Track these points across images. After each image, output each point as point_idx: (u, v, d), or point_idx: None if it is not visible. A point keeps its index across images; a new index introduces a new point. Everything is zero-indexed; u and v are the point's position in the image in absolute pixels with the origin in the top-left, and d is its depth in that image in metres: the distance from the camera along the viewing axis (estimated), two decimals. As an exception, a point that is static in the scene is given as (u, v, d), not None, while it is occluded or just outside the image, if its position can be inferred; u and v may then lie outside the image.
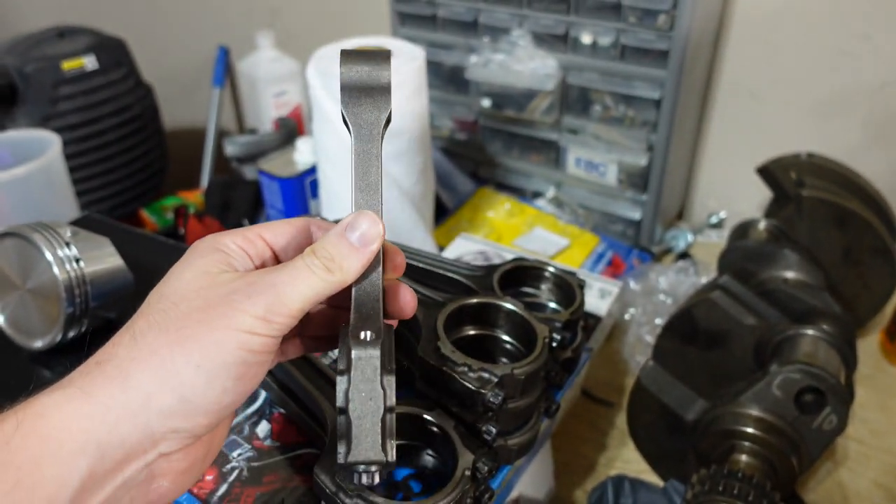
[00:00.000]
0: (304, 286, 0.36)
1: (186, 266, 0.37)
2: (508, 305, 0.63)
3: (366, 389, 0.36)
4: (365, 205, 0.39)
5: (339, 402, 0.36)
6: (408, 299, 0.42)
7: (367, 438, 0.36)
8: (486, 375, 0.56)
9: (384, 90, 0.40)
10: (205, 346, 0.34)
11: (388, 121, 0.40)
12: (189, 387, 0.34)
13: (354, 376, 0.36)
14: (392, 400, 0.36)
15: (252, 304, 0.35)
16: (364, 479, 0.36)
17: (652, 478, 0.84)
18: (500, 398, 0.55)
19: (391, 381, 0.36)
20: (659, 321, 1.01)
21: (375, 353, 0.36)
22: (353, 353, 0.36)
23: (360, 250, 0.38)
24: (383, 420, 0.36)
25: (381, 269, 0.39)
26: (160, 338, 0.34)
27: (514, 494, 0.70)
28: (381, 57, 0.40)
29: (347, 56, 0.40)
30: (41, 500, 0.30)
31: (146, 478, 0.34)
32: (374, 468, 0.36)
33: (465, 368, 0.56)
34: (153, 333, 0.34)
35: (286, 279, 0.36)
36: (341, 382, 0.36)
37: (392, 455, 0.36)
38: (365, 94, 0.39)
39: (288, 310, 0.36)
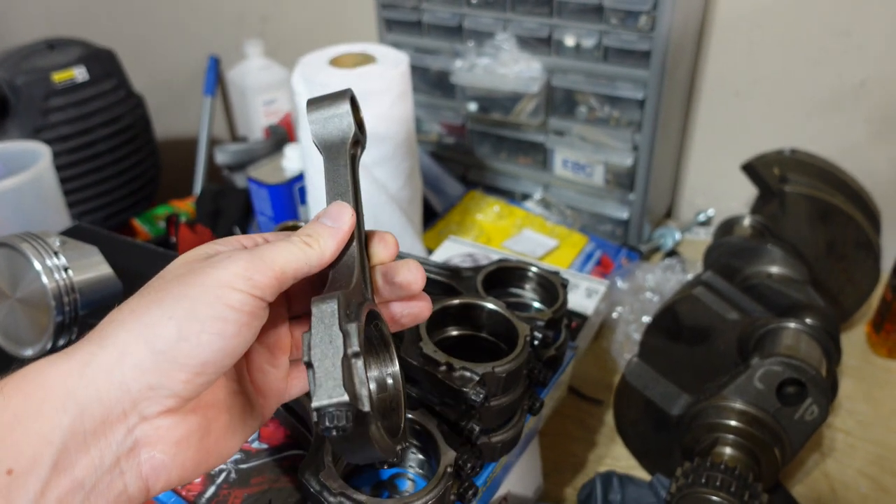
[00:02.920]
0: (285, 252, 0.38)
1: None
2: (490, 305, 0.64)
3: (325, 335, 0.36)
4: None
5: (304, 357, 0.36)
6: (411, 274, 0.42)
7: (328, 381, 0.34)
8: (467, 374, 0.57)
9: (344, 119, 0.44)
10: (178, 299, 0.35)
11: (357, 141, 0.45)
12: (162, 338, 0.34)
13: (314, 326, 0.36)
14: (355, 346, 0.35)
15: (232, 261, 0.36)
16: (333, 430, 0.34)
17: (642, 473, 0.85)
18: (481, 396, 0.55)
19: (354, 327, 0.36)
20: (646, 319, 1.02)
21: (332, 302, 0.36)
22: (312, 307, 0.37)
23: (333, 228, 0.41)
24: (346, 363, 0.35)
25: (356, 249, 0.42)
26: (140, 300, 0.36)
27: (501, 492, 0.71)
28: (340, 95, 0.44)
29: (310, 103, 0.45)
30: (26, 458, 0.31)
31: (133, 445, 0.34)
32: (339, 411, 0.34)
33: (447, 367, 0.57)
34: (135, 298, 0.36)
35: (266, 248, 0.38)
36: (305, 339, 0.36)
37: (365, 403, 0.34)
38: (328, 124, 0.45)
39: (268, 268, 0.37)
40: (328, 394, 0.34)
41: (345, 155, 0.45)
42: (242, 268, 0.36)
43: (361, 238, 0.43)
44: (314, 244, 0.39)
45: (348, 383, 0.34)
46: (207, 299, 0.35)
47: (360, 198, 0.44)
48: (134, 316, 0.35)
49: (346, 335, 0.35)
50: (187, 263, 0.38)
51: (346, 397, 0.34)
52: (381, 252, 0.44)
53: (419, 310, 0.44)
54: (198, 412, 0.37)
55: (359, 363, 0.35)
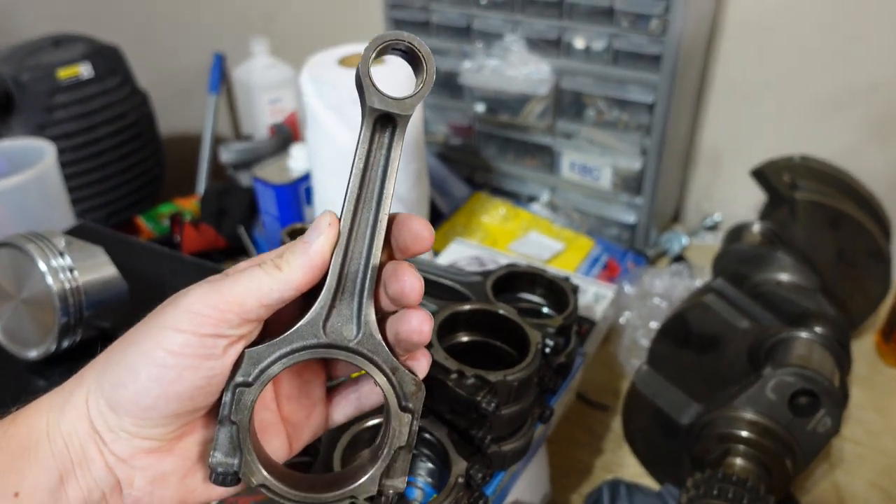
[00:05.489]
0: (247, 281, 0.35)
1: None
2: (501, 312, 0.63)
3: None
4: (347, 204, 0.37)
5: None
6: (398, 284, 0.36)
7: (217, 444, 0.36)
8: (479, 382, 0.56)
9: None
10: (128, 344, 0.35)
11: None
12: (108, 383, 0.35)
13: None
14: (229, 412, 0.36)
15: (185, 297, 0.34)
16: (212, 478, 0.36)
17: (649, 481, 0.84)
18: (493, 405, 0.55)
19: (234, 393, 0.36)
20: (654, 324, 1.01)
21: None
22: None
23: (305, 245, 0.36)
24: (227, 429, 0.36)
25: (337, 269, 0.36)
26: (119, 340, 0.36)
27: (509, 499, 0.70)
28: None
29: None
30: (29, 483, 0.34)
31: (116, 483, 0.35)
32: (224, 473, 0.36)
33: (458, 375, 0.56)
34: (115, 343, 0.36)
35: (231, 277, 0.35)
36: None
37: (234, 466, 0.36)
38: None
39: (222, 300, 0.34)
40: (212, 455, 0.36)
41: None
42: (190, 304, 0.34)
43: (368, 262, 0.37)
44: (284, 267, 0.35)
45: (226, 449, 0.36)
46: (147, 346, 0.34)
47: (385, 199, 0.36)
48: (104, 358, 0.36)
49: (225, 395, 0.36)
50: (170, 298, 0.36)
51: (216, 460, 0.36)
52: (409, 244, 0.37)
53: (416, 327, 0.36)
54: (175, 452, 0.37)
55: (229, 430, 0.36)
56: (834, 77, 1.16)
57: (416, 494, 0.58)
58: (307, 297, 0.37)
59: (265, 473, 0.36)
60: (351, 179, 0.36)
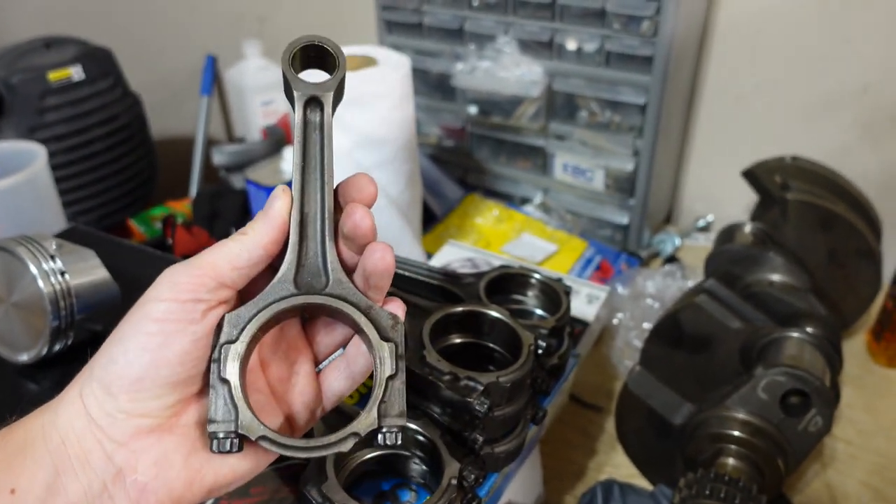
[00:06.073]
0: (219, 247, 0.38)
1: None
2: (493, 313, 0.64)
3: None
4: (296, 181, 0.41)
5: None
6: (350, 219, 0.39)
7: (212, 406, 0.37)
8: (471, 384, 0.56)
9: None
10: (119, 326, 0.37)
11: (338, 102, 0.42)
12: (99, 366, 0.36)
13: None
14: (220, 372, 0.37)
15: (165, 272, 0.37)
16: (224, 453, 0.37)
17: (642, 482, 0.84)
18: (485, 406, 0.55)
19: (223, 350, 0.37)
20: (647, 325, 1.01)
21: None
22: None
23: (264, 212, 0.40)
24: (218, 389, 0.37)
25: (295, 232, 0.40)
26: (106, 341, 0.37)
27: (502, 501, 0.70)
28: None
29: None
30: (25, 480, 0.34)
31: (117, 471, 0.35)
32: (225, 436, 0.36)
33: (451, 377, 0.56)
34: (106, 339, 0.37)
35: (206, 250, 0.38)
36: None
37: (233, 424, 0.36)
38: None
39: (194, 267, 0.37)
40: (209, 423, 0.37)
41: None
42: (170, 275, 0.37)
43: (324, 210, 0.40)
44: (249, 232, 0.39)
45: (222, 410, 0.37)
46: (134, 318, 0.36)
47: (326, 164, 0.40)
48: (94, 357, 0.37)
49: (213, 361, 0.37)
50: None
51: (214, 426, 0.36)
52: (354, 196, 0.40)
53: (379, 256, 0.38)
54: (175, 431, 0.37)
55: (222, 391, 0.37)
56: (825, 78, 1.16)
57: (409, 496, 0.58)
58: (276, 272, 0.40)
59: (265, 426, 0.37)
60: (294, 154, 0.41)
